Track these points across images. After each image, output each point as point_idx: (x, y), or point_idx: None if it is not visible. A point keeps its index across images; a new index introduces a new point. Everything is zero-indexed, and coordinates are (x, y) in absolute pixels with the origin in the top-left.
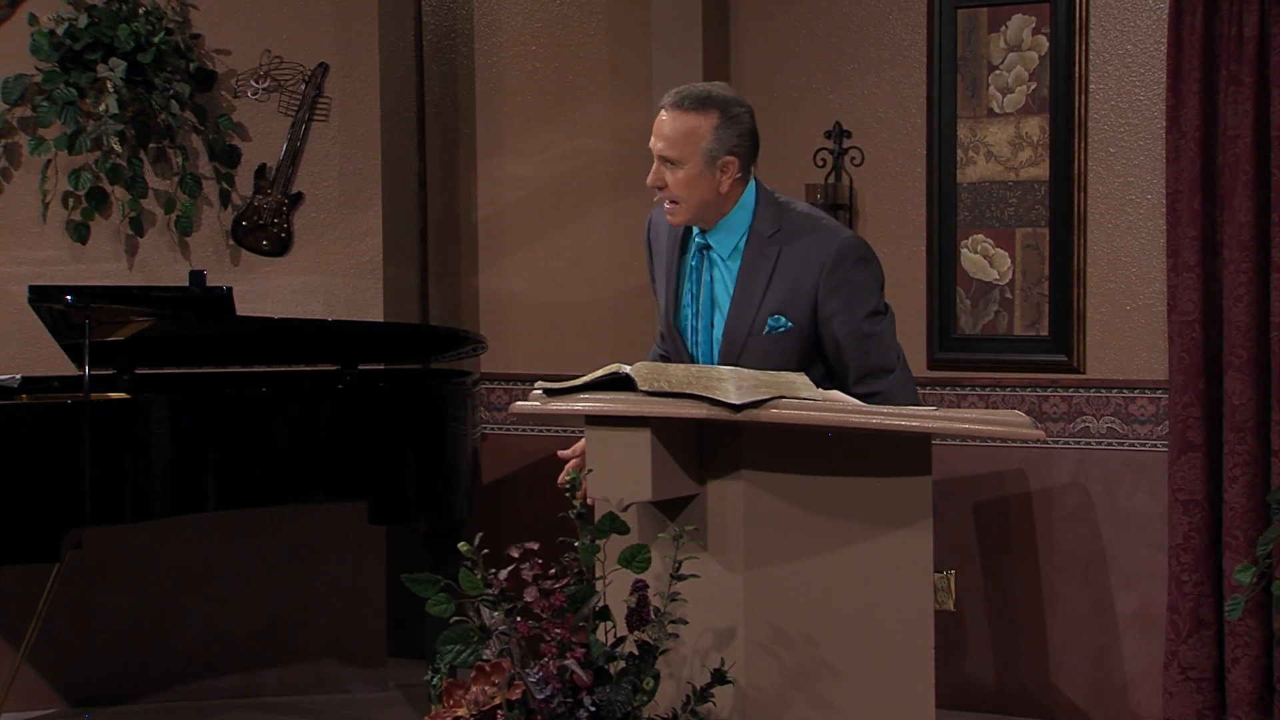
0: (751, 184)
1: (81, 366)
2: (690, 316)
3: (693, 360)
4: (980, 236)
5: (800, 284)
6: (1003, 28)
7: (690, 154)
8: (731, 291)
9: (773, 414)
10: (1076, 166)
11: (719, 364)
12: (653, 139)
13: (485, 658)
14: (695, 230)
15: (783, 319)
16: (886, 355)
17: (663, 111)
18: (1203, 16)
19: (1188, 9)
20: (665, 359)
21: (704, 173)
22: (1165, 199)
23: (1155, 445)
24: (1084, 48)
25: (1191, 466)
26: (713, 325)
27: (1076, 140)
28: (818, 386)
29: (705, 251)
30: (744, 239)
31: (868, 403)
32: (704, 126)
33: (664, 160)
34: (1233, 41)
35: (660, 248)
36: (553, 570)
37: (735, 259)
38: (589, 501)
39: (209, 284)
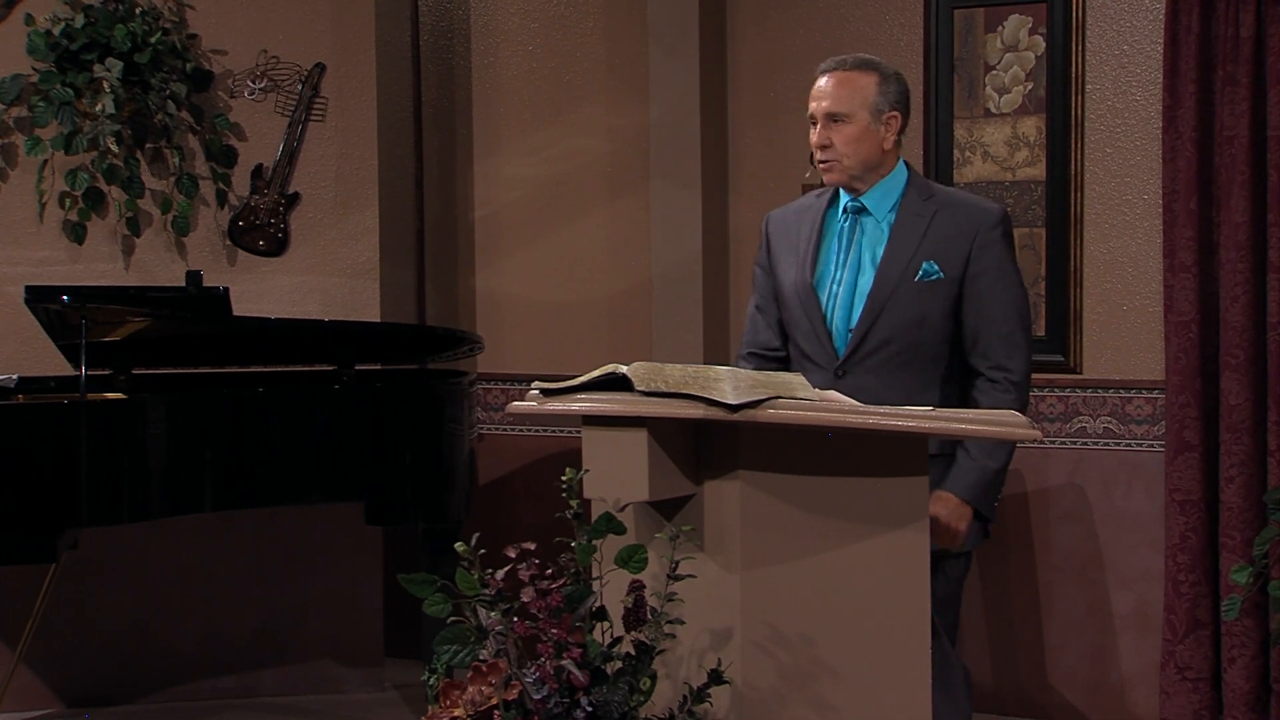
0: (902, 159)
1: (78, 366)
2: (833, 277)
3: (825, 322)
4: None
5: (955, 239)
6: (999, 28)
7: (858, 108)
8: (876, 255)
9: (769, 414)
10: (1073, 167)
11: (863, 314)
12: (813, 104)
13: (482, 658)
14: (845, 198)
15: (935, 266)
16: (1020, 346)
17: (822, 77)
18: (1199, 17)
19: (1184, 9)
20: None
21: (870, 128)
22: (1162, 199)
23: (1152, 445)
24: (1081, 48)
25: (1188, 466)
26: (856, 285)
27: (1073, 140)
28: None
29: (858, 215)
30: (899, 199)
31: (990, 383)
32: (869, 83)
33: (830, 118)
34: (1229, 42)
35: (786, 236)
36: (549, 570)
37: (891, 219)
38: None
39: (206, 284)
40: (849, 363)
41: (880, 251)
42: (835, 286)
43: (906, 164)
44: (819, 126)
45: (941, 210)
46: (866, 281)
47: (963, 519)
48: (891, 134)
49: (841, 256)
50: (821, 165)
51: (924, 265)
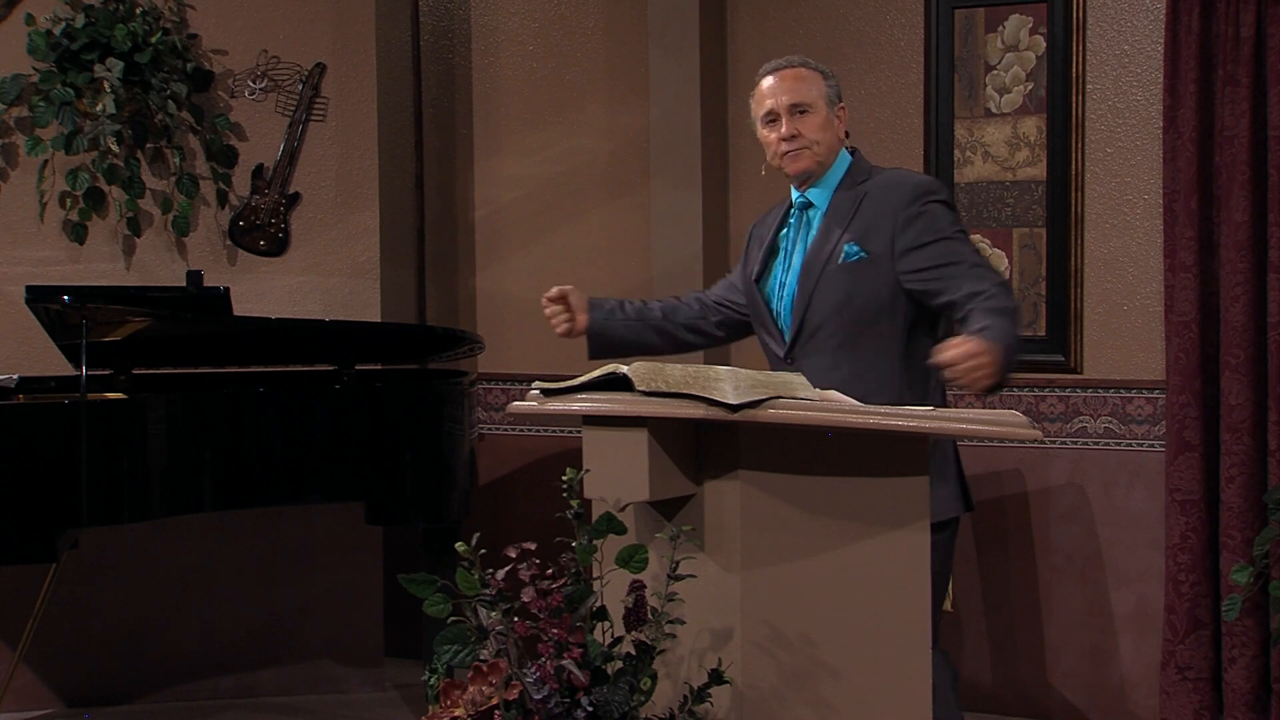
0: (845, 150)
1: (78, 366)
2: (781, 273)
3: (770, 314)
4: (977, 236)
5: (880, 218)
6: (1000, 28)
7: (817, 98)
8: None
9: (770, 414)
10: (1074, 167)
11: (794, 301)
12: (770, 101)
13: (482, 658)
14: (795, 197)
15: (857, 247)
16: (979, 265)
17: (770, 77)
18: (1199, 16)
19: (1184, 9)
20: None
21: (829, 118)
22: (1162, 199)
23: (1152, 445)
24: (1081, 48)
25: (1188, 466)
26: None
27: (1074, 140)
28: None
29: (805, 211)
30: (835, 189)
31: (981, 306)
32: (818, 78)
33: (795, 109)
34: (1229, 42)
35: (759, 238)
36: (550, 570)
37: (822, 213)
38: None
39: (206, 284)
40: (794, 350)
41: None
42: (780, 290)
43: (851, 151)
44: (784, 119)
45: (871, 192)
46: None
47: (991, 353)
48: (842, 126)
49: (789, 256)
50: (790, 154)
51: (846, 247)
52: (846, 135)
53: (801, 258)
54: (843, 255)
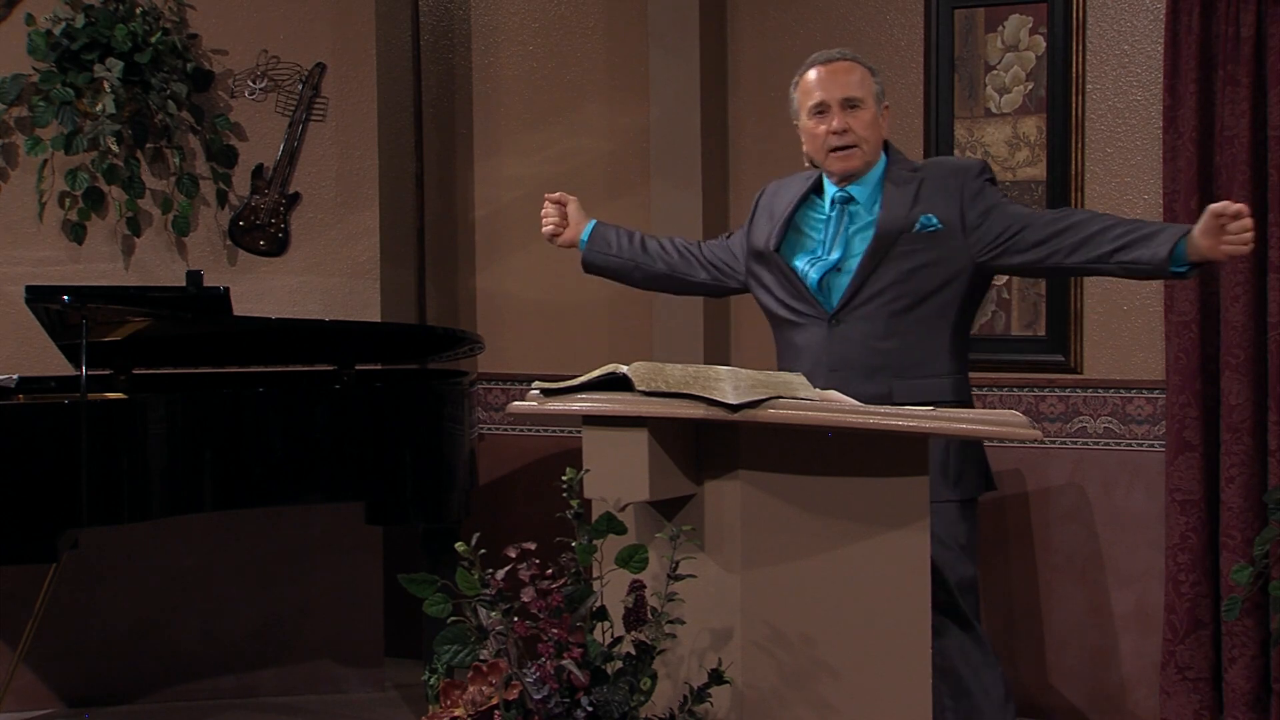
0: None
1: (78, 366)
2: (815, 254)
3: (800, 280)
4: None
5: (946, 194)
6: (1000, 28)
7: (868, 95)
8: (864, 233)
9: (770, 414)
10: (1074, 167)
11: (862, 263)
12: (820, 93)
13: (482, 658)
14: (830, 189)
15: (934, 219)
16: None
17: (820, 68)
18: (1200, 16)
19: (1184, 9)
20: (684, 252)
21: (876, 115)
22: (1162, 199)
23: (1152, 445)
24: (1081, 48)
25: (1188, 466)
26: (838, 269)
27: (1074, 140)
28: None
29: (844, 205)
30: (880, 183)
31: (1135, 227)
32: (867, 74)
33: (847, 103)
34: (1230, 41)
35: (769, 209)
36: (550, 570)
37: (875, 206)
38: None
39: (206, 284)
40: (845, 310)
41: (870, 234)
42: (815, 260)
43: (887, 147)
44: (835, 112)
45: (926, 174)
46: (857, 253)
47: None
48: (887, 123)
49: (829, 243)
50: (840, 152)
51: (922, 218)
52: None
53: (855, 252)
54: (918, 225)
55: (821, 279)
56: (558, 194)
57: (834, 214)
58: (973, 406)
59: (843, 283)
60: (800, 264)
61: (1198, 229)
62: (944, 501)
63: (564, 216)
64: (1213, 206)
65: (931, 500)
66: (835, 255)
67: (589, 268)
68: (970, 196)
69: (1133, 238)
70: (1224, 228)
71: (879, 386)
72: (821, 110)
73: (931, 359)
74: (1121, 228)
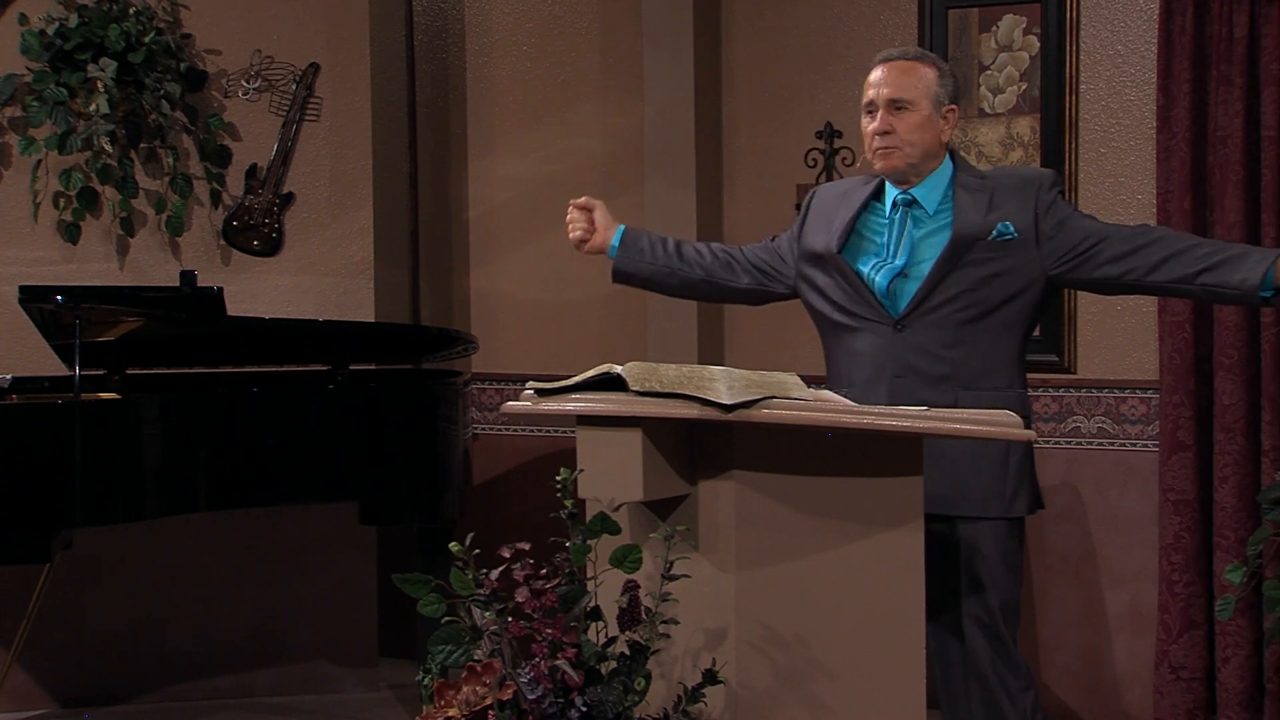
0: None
1: (72, 366)
2: (879, 258)
3: (868, 286)
4: None
5: (1021, 205)
6: (994, 28)
7: (920, 97)
8: (943, 240)
9: (764, 414)
10: (1068, 167)
11: (935, 267)
12: (872, 91)
13: (476, 658)
14: (893, 191)
15: (1011, 226)
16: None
17: (880, 68)
18: (1193, 17)
19: (1178, 9)
20: (727, 258)
21: (931, 117)
22: (1156, 199)
23: (1146, 445)
24: (1075, 48)
25: (1182, 466)
26: (903, 275)
27: (1067, 140)
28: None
29: (908, 208)
30: (949, 189)
31: (1223, 249)
32: (930, 74)
33: (893, 105)
34: (1223, 42)
35: (824, 210)
36: (544, 570)
37: (943, 212)
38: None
39: (200, 284)
40: (912, 315)
41: (937, 239)
42: (881, 264)
43: (952, 153)
44: (880, 113)
45: (996, 182)
46: (926, 259)
47: None
48: (949, 127)
49: (891, 249)
50: (880, 151)
51: (1000, 225)
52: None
53: (921, 256)
54: (995, 232)
55: (889, 284)
56: (583, 199)
57: (896, 217)
58: (1031, 422)
59: (910, 289)
60: (864, 268)
61: None
62: (995, 519)
63: (591, 222)
64: None
65: (983, 516)
66: (901, 260)
67: (619, 276)
68: (1044, 207)
69: (1220, 259)
70: None
71: (944, 396)
72: (871, 109)
73: (996, 371)
74: (1207, 247)
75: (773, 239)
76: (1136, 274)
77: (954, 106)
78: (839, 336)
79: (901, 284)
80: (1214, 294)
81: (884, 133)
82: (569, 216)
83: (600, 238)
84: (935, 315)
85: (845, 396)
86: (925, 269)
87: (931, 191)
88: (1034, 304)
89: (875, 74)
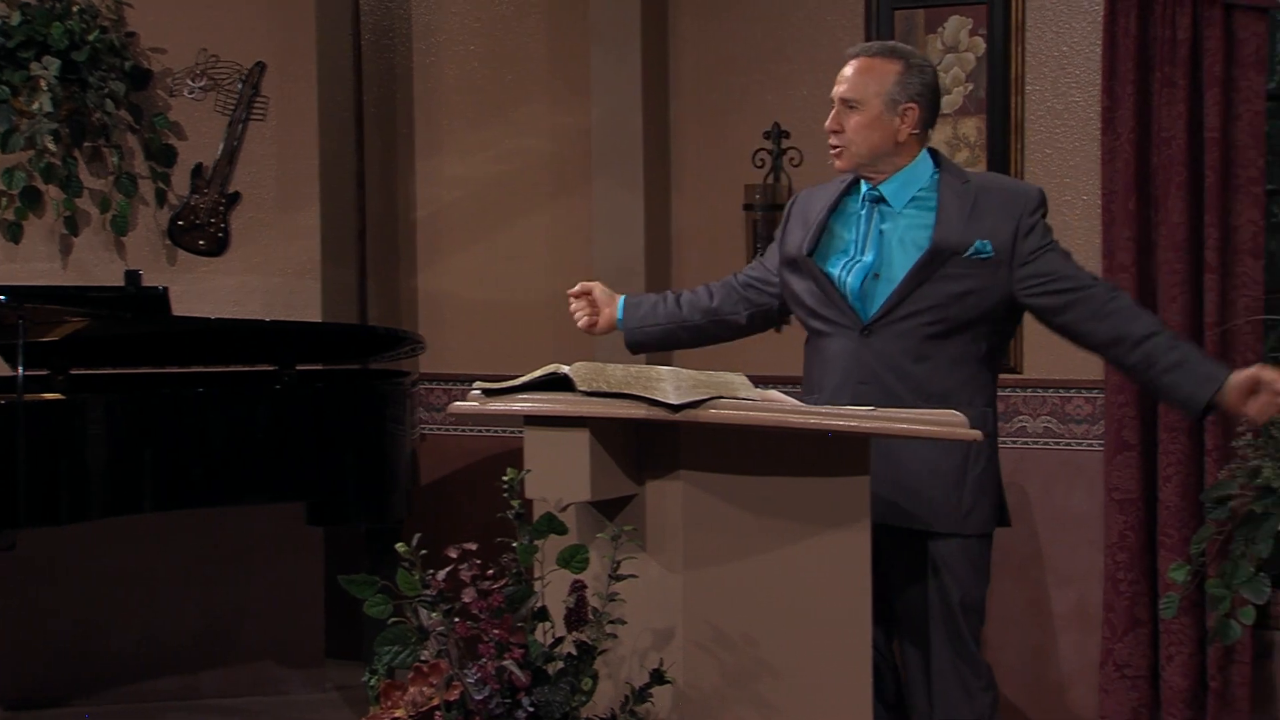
0: (927, 149)
1: (15, 366)
2: (848, 256)
3: (838, 288)
4: None
5: (1000, 221)
6: (940, 29)
7: (871, 95)
8: (909, 237)
9: (711, 414)
10: (1013, 168)
11: (907, 278)
12: (835, 87)
13: (423, 659)
14: (864, 186)
15: (989, 245)
16: (1095, 285)
17: (848, 63)
18: (1137, 19)
19: (1122, 12)
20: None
21: (883, 116)
22: (1101, 200)
23: (1091, 445)
24: (1020, 49)
25: (1127, 466)
26: (876, 266)
27: (1013, 141)
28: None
29: (875, 204)
30: (929, 188)
31: (1175, 345)
32: (888, 71)
33: (844, 103)
34: (1166, 44)
35: (803, 216)
36: (491, 571)
37: (914, 209)
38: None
39: (145, 284)
40: (879, 323)
41: (904, 241)
42: (851, 263)
43: (934, 153)
44: (834, 111)
45: (980, 190)
46: (898, 261)
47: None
48: (907, 126)
49: (859, 245)
50: (832, 149)
51: (977, 243)
52: (925, 135)
53: (890, 253)
54: (972, 250)
55: (861, 285)
56: (577, 285)
57: (864, 212)
58: (994, 441)
59: (883, 292)
60: (835, 270)
61: (1236, 381)
62: (949, 535)
63: (593, 304)
64: (1265, 376)
65: (937, 531)
66: (869, 257)
67: (634, 346)
68: (1025, 231)
69: (1174, 363)
70: (1256, 393)
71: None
72: (834, 105)
73: (962, 388)
74: (1163, 343)
75: (762, 255)
76: (1090, 342)
77: (913, 105)
78: (814, 342)
79: (874, 286)
80: (1159, 394)
81: (834, 131)
82: (571, 306)
83: (605, 316)
84: (903, 325)
85: (814, 404)
86: (895, 271)
87: (901, 189)
88: (1002, 323)
89: (842, 70)
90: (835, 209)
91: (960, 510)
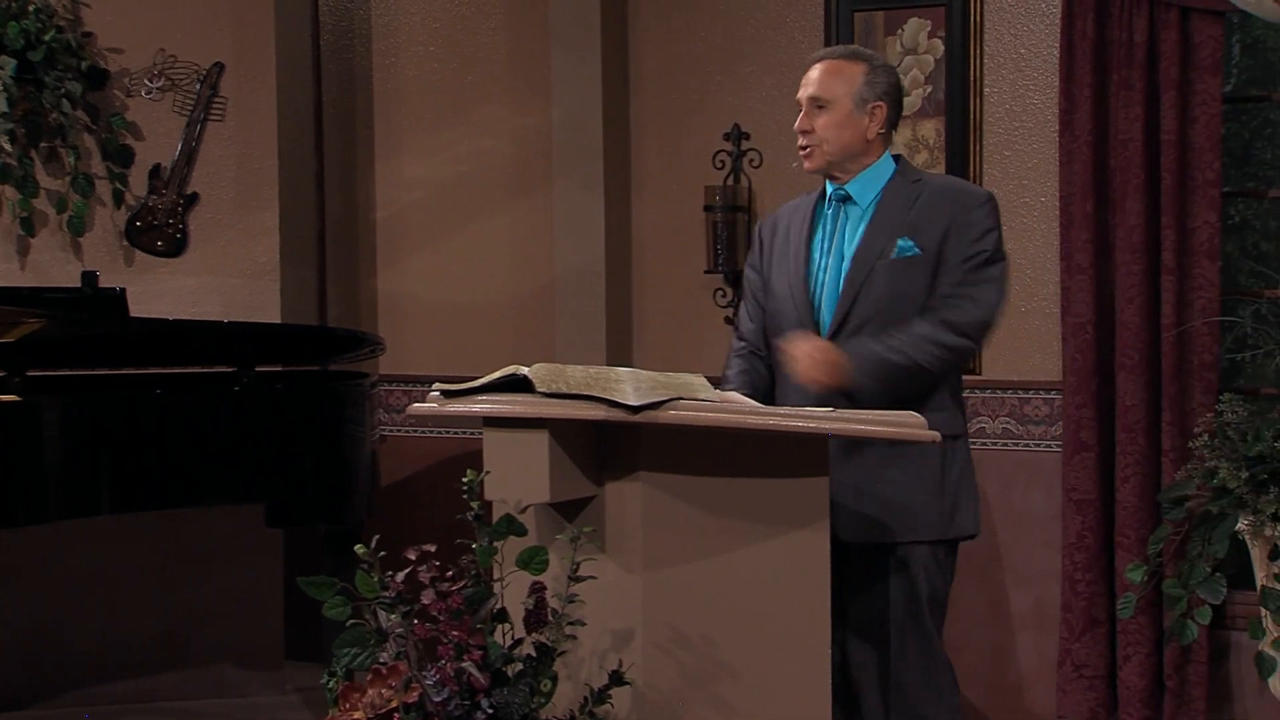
0: (889, 151)
1: None
2: (819, 265)
3: (813, 308)
4: None
5: (935, 217)
6: (899, 31)
7: (841, 95)
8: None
9: (670, 415)
10: (972, 169)
11: (842, 292)
12: (801, 91)
13: (382, 660)
14: (831, 189)
15: (912, 244)
16: (970, 311)
17: (813, 66)
18: (1094, 22)
19: (1079, 14)
20: (753, 357)
21: (853, 115)
22: (1059, 202)
23: (1049, 446)
24: (979, 51)
25: (1084, 466)
26: (841, 271)
27: (972, 143)
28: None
29: (842, 204)
30: (885, 185)
31: (919, 339)
32: (855, 72)
33: (814, 103)
34: (1123, 47)
35: (779, 236)
36: (450, 572)
37: (874, 207)
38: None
39: (102, 285)
40: (833, 340)
41: (861, 234)
42: (821, 275)
43: (895, 156)
44: (802, 112)
45: (926, 192)
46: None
47: (828, 368)
48: (875, 124)
49: (826, 244)
50: (801, 150)
51: (900, 242)
52: (888, 136)
53: (848, 248)
54: (896, 251)
55: (837, 292)
56: None
57: (830, 212)
58: (966, 442)
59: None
60: (812, 280)
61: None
62: (934, 542)
63: None
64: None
65: (922, 540)
66: (834, 263)
67: None
68: (960, 227)
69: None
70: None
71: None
72: (801, 108)
73: (927, 394)
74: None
75: (746, 306)
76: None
77: (880, 103)
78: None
79: (831, 306)
80: None
81: (804, 132)
82: None
83: None
84: (857, 339)
85: None
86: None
87: (866, 188)
88: None
89: (807, 73)
90: (814, 219)
91: (943, 517)
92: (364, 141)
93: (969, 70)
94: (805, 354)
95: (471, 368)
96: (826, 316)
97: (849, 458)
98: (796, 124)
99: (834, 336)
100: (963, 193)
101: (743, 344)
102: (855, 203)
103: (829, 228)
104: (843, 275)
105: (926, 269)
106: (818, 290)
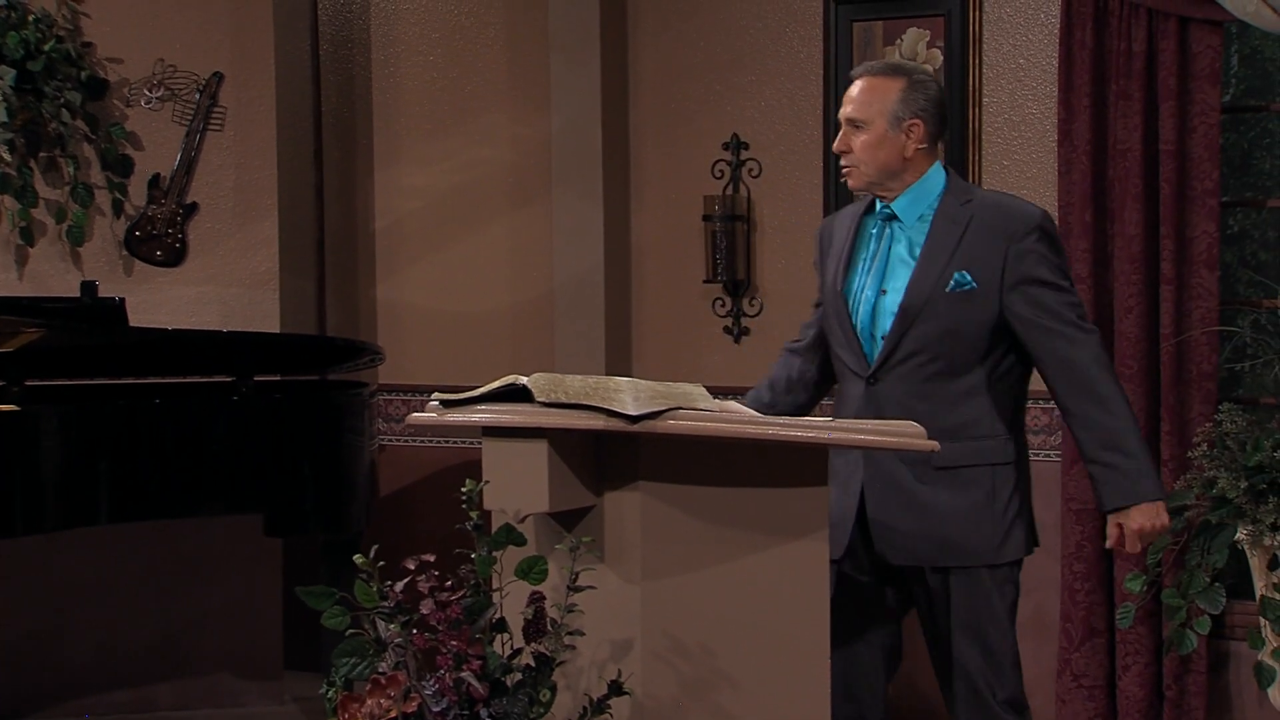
0: (939, 163)
1: None
2: (859, 281)
3: (852, 326)
4: None
5: (990, 247)
6: (898, 41)
7: (875, 115)
8: (917, 254)
9: (669, 425)
10: (970, 179)
11: (895, 323)
12: (841, 109)
13: (381, 670)
14: (879, 205)
15: (968, 276)
16: (1069, 332)
17: (853, 83)
18: (1093, 32)
19: (1078, 24)
20: (789, 354)
21: (889, 134)
22: (1058, 211)
23: (1049, 455)
24: (977, 61)
25: (1083, 476)
26: (882, 292)
27: (970, 153)
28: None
29: (889, 221)
30: (934, 206)
31: (1105, 444)
32: (890, 89)
33: (850, 123)
34: (1122, 57)
35: (832, 241)
36: (449, 582)
37: (923, 226)
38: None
39: (101, 295)
40: (881, 370)
41: (910, 257)
42: (861, 293)
43: (946, 168)
44: (841, 132)
45: (977, 215)
46: (894, 288)
47: (1160, 516)
48: (914, 142)
49: (868, 264)
50: (842, 170)
51: (956, 275)
52: (935, 150)
53: (892, 277)
54: (952, 284)
55: (873, 317)
56: None
57: (875, 231)
58: (1027, 471)
59: (869, 336)
60: (851, 297)
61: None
62: (988, 566)
63: None
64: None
65: (970, 565)
66: (872, 287)
67: None
68: (1016, 257)
69: (1104, 462)
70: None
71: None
72: (840, 128)
73: (975, 421)
74: (1101, 438)
75: (816, 305)
76: (1047, 385)
77: (916, 120)
78: (840, 380)
79: (882, 305)
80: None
81: (843, 152)
82: None
83: None
84: (903, 369)
85: None
86: (900, 284)
87: (911, 205)
88: (1006, 348)
89: (848, 91)
90: (858, 231)
91: (992, 541)
92: (363, 151)
93: (968, 80)
94: (1150, 533)
95: (470, 377)
96: (866, 335)
97: (894, 479)
98: (835, 144)
99: (884, 363)
100: (1013, 218)
101: (793, 341)
102: (901, 221)
103: (873, 247)
104: (885, 299)
105: (985, 302)
106: (856, 308)
